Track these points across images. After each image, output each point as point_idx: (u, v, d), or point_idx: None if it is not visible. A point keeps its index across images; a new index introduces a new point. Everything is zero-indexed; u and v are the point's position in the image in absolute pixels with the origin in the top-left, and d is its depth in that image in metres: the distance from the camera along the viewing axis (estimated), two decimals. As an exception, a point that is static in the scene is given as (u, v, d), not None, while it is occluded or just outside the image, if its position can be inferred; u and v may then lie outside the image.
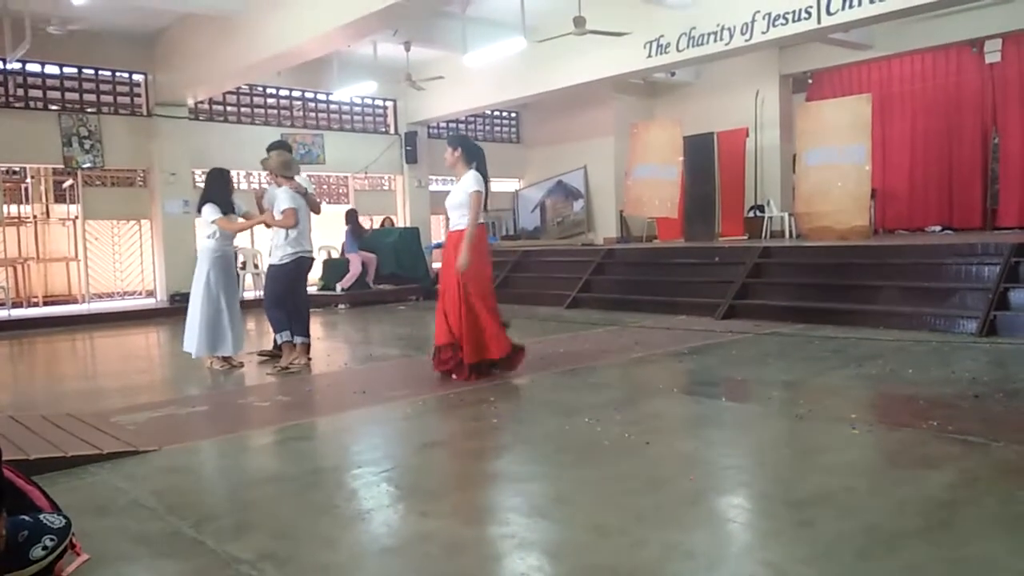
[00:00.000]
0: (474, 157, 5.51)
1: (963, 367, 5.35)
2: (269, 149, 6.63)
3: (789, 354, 6.18)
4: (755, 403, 4.71)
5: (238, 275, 6.54)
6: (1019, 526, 2.61)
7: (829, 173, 10.83)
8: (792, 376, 5.33)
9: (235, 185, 6.46)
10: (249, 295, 12.37)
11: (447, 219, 5.68)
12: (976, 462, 3.30)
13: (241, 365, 6.42)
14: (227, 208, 6.27)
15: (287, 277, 6.18)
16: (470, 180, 5.39)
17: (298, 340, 6.21)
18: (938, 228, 12.79)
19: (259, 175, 13.88)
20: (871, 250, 9.00)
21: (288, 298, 6.20)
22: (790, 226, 12.56)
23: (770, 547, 2.53)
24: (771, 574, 2.30)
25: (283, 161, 6.26)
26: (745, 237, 12.91)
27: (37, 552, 2.35)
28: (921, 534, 2.55)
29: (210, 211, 6.21)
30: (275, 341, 6.37)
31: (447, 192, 5.82)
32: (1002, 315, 6.72)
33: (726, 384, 5.30)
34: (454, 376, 5.44)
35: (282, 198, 6.10)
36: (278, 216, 6.07)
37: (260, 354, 6.78)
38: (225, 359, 6.36)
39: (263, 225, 6.39)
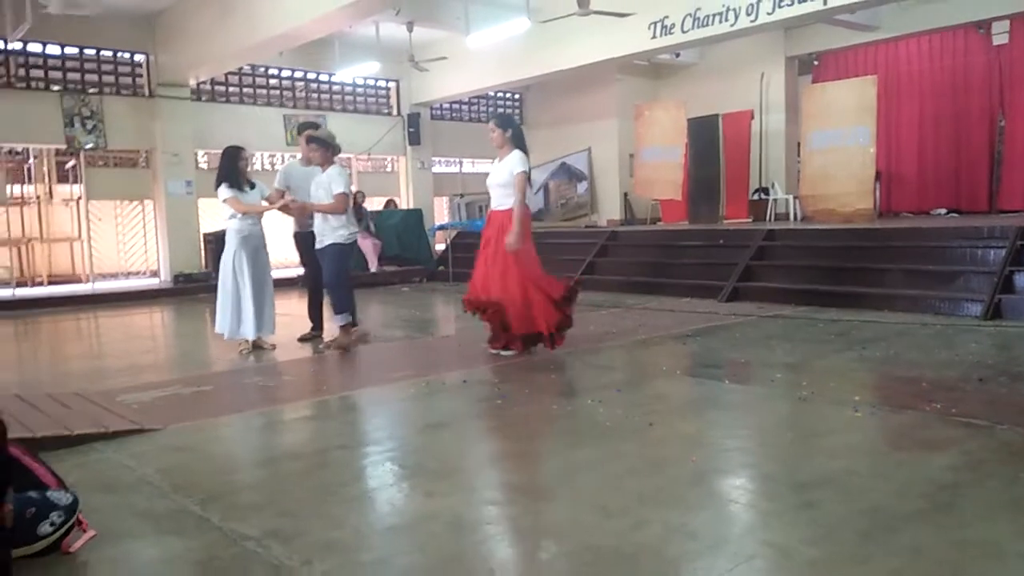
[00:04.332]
0: (519, 138, 5.59)
1: (967, 350, 5.35)
2: (302, 129, 6.48)
3: (792, 336, 6.18)
4: (758, 385, 4.72)
5: (267, 255, 6.31)
6: (1022, 508, 2.62)
7: (834, 155, 10.77)
8: (795, 358, 5.34)
9: (248, 163, 6.21)
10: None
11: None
12: (979, 445, 3.30)
13: (273, 347, 6.26)
14: (239, 187, 6.08)
15: (349, 256, 6.18)
16: (516, 160, 5.43)
17: (344, 320, 6.10)
18: (943, 211, 12.73)
19: (261, 156, 13.88)
20: (875, 233, 8.96)
21: (347, 277, 6.23)
22: (795, 209, 12.52)
23: (772, 528, 2.54)
24: (773, 555, 2.32)
25: (330, 135, 6.10)
26: (749, 220, 12.87)
27: (45, 528, 2.37)
28: (924, 516, 2.56)
29: (223, 191, 6.06)
30: (341, 322, 6.29)
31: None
32: (1007, 298, 6.71)
33: (729, 366, 5.30)
34: (506, 350, 5.53)
35: (338, 180, 5.90)
36: (327, 200, 5.88)
37: (300, 340, 6.62)
38: (250, 342, 6.15)
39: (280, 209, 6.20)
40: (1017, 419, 3.62)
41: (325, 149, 5.99)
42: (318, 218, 6.03)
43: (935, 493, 2.76)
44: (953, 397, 4.06)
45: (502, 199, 5.51)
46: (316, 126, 6.60)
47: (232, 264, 6.10)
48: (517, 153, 5.47)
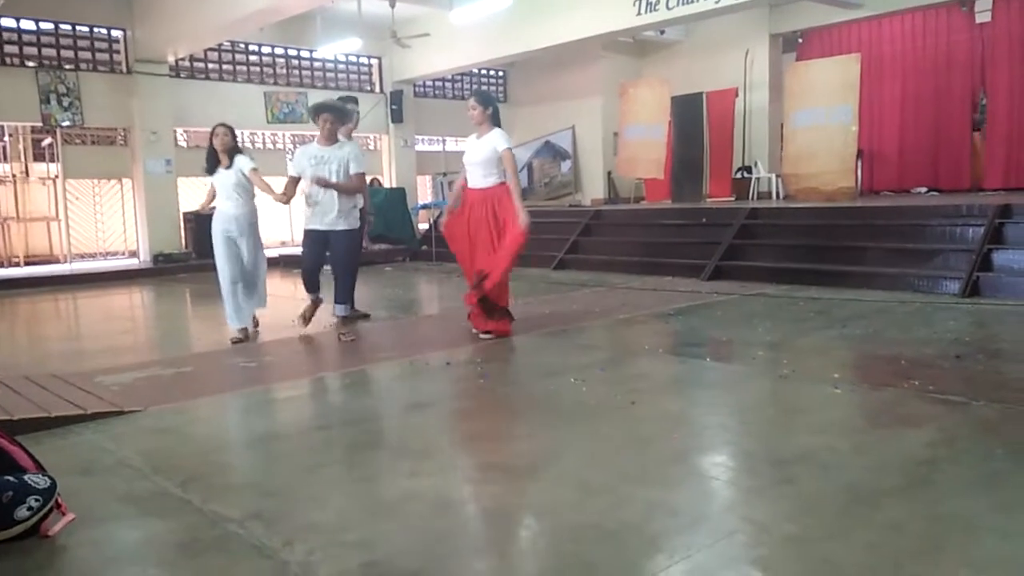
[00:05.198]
0: (497, 116, 5.50)
1: (945, 328, 5.41)
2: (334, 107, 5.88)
3: (774, 315, 6.22)
4: (739, 363, 4.75)
5: (246, 241, 5.84)
6: (997, 483, 2.66)
7: (816, 134, 10.79)
8: (776, 337, 5.37)
9: (221, 138, 5.71)
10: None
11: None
12: (956, 421, 3.35)
13: (253, 334, 5.99)
14: (210, 169, 5.78)
15: (361, 240, 5.94)
16: (500, 137, 5.37)
17: (346, 311, 5.77)
18: (923, 189, 12.81)
19: (242, 134, 13.70)
20: (857, 211, 9.02)
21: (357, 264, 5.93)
22: (777, 187, 12.56)
23: (752, 504, 2.56)
24: (753, 531, 2.34)
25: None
26: (732, 198, 12.90)
27: (22, 512, 2.35)
28: (902, 492, 2.59)
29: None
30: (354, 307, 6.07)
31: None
32: (985, 276, 6.78)
33: (711, 344, 5.33)
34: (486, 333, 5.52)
35: (359, 159, 5.61)
36: (336, 179, 5.48)
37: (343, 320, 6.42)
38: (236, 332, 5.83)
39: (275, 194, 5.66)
40: (993, 395, 3.67)
41: (340, 119, 5.66)
42: (329, 200, 5.53)
43: (913, 469, 2.79)
44: (931, 374, 4.11)
45: (484, 177, 5.43)
46: (352, 100, 6.23)
47: (217, 251, 5.84)
48: (500, 131, 5.42)
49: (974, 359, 4.48)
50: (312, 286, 5.84)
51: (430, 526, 2.47)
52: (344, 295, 5.71)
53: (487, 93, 5.74)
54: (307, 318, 5.93)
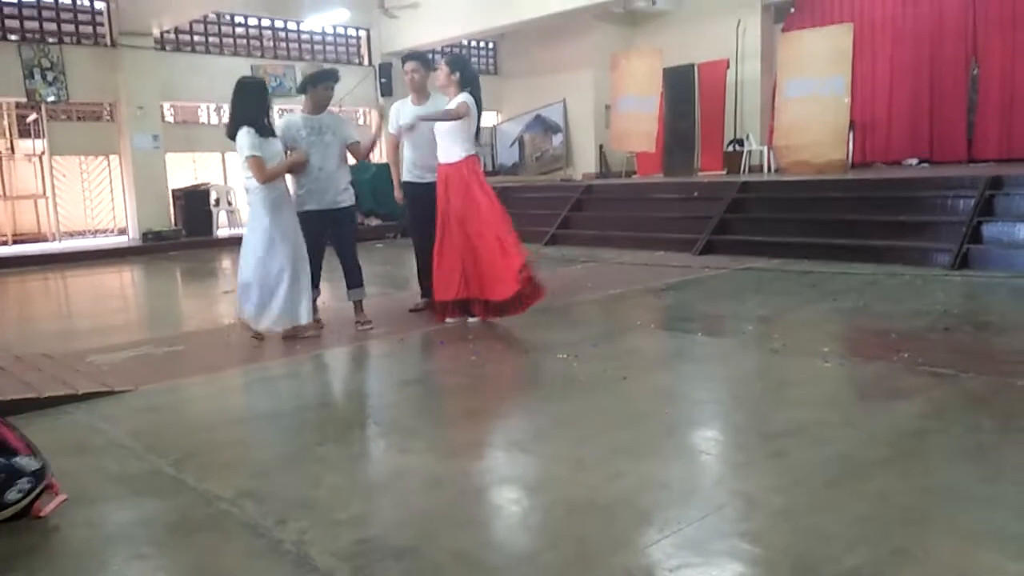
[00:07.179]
0: (469, 84, 5.02)
1: (935, 300, 5.43)
2: (407, 59, 5.50)
3: (765, 289, 6.23)
4: (730, 337, 4.77)
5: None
6: (985, 454, 2.68)
7: (808, 105, 10.75)
8: (767, 311, 5.39)
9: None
10: (223, 232, 12.25)
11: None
12: (945, 393, 3.37)
13: (319, 325, 5.12)
14: (268, 132, 4.73)
15: None
16: (460, 97, 4.93)
17: (313, 296, 5.10)
18: (915, 161, 12.79)
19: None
20: (848, 184, 9.01)
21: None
22: (769, 160, 12.53)
23: (742, 477, 2.58)
24: (743, 503, 2.36)
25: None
26: (724, 172, 12.87)
27: (13, 495, 2.34)
28: (890, 463, 2.61)
29: (245, 139, 4.58)
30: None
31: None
32: (975, 248, 6.79)
33: (702, 319, 5.34)
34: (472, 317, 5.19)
35: (354, 128, 5.22)
36: (337, 151, 5.01)
37: (412, 311, 5.75)
38: (297, 328, 4.86)
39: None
40: (981, 367, 3.70)
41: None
42: (327, 176, 4.98)
43: (901, 441, 2.82)
44: (920, 347, 4.13)
45: (450, 148, 4.97)
46: (423, 56, 5.71)
47: (268, 232, 4.65)
48: (462, 94, 4.95)
49: (963, 331, 4.51)
50: (316, 280, 5.09)
51: (422, 502, 2.48)
52: (360, 277, 5.24)
53: (460, 57, 5.38)
54: (320, 321, 5.19)
